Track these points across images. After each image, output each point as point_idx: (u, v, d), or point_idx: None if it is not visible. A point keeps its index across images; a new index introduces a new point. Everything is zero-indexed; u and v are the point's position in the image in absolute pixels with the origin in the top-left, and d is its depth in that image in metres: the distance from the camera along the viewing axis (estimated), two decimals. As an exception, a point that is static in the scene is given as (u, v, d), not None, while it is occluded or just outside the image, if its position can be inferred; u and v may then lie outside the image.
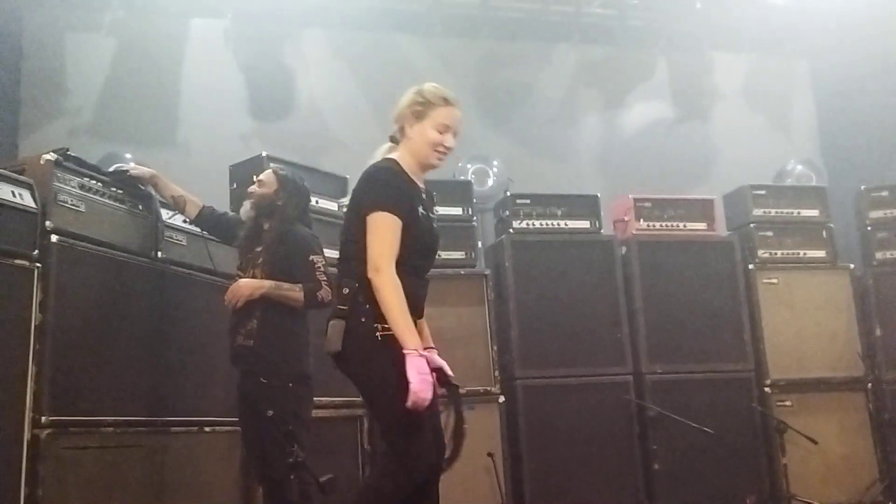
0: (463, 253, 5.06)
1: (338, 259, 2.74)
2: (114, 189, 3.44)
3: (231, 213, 3.89)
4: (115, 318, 3.32)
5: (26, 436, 2.85)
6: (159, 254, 3.62)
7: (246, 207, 3.61)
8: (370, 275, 2.48)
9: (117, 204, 3.45)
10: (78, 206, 3.21)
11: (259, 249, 3.48)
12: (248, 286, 3.38)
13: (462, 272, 4.98)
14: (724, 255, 5.41)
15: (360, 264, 2.54)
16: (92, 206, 3.29)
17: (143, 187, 3.63)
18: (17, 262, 2.92)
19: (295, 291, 3.39)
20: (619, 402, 4.97)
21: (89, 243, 3.23)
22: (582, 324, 5.05)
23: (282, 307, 3.38)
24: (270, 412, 3.23)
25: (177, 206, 3.69)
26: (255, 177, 3.69)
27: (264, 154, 4.39)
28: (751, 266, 5.41)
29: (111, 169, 3.62)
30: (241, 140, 6.17)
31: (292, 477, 3.11)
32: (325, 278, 3.44)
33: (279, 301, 3.38)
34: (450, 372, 2.66)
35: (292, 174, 3.71)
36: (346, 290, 2.57)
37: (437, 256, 4.35)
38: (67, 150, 3.24)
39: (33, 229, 2.99)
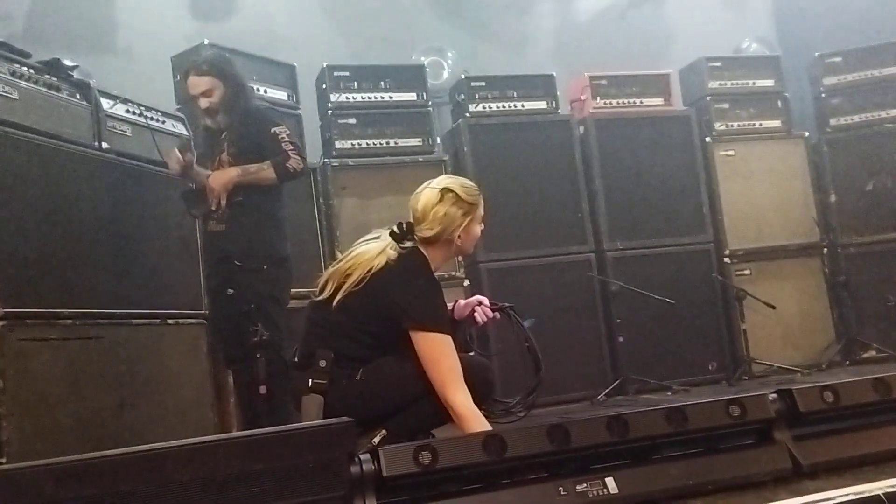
0: (420, 139, 4.97)
1: (311, 318, 2.61)
2: (48, 76, 3.29)
3: None
4: (63, 210, 3.22)
5: (-20, 327, 2.80)
6: (103, 144, 3.49)
7: (206, 122, 3.53)
8: (449, 403, 2.39)
9: (53, 92, 3.30)
10: (10, 93, 3.06)
11: (223, 136, 3.44)
12: (219, 182, 3.35)
13: (420, 159, 4.91)
14: (681, 129, 5.40)
15: (360, 348, 2.49)
16: (25, 93, 3.14)
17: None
18: (-49, 150, 2.80)
19: (264, 170, 3.37)
20: (582, 279, 5.02)
21: (27, 132, 3.10)
22: (542, 204, 5.04)
23: (253, 188, 3.35)
24: (230, 291, 3.21)
25: None
26: (193, 93, 3.52)
27: (206, 41, 4.23)
28: (708, 139, 5.42)
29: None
30: (185, 41, 5.95)
31: (258, 355, 3.11)
32: (291, 147, 3.41)
33: (252, 184, 3.35)
34: (487, 301, 2.80)
35: (218, 57, 3.61)
36: (322, 363, 2.47)
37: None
38: (-7, 33, 3.08)
39: (-35, 117, 2.86)
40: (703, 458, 1.92)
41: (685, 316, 5.04)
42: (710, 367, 5.08)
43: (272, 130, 3.39)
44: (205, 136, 3.58)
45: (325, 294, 2.55)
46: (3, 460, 2.68)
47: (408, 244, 2.59)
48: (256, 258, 3.38)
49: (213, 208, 3.42)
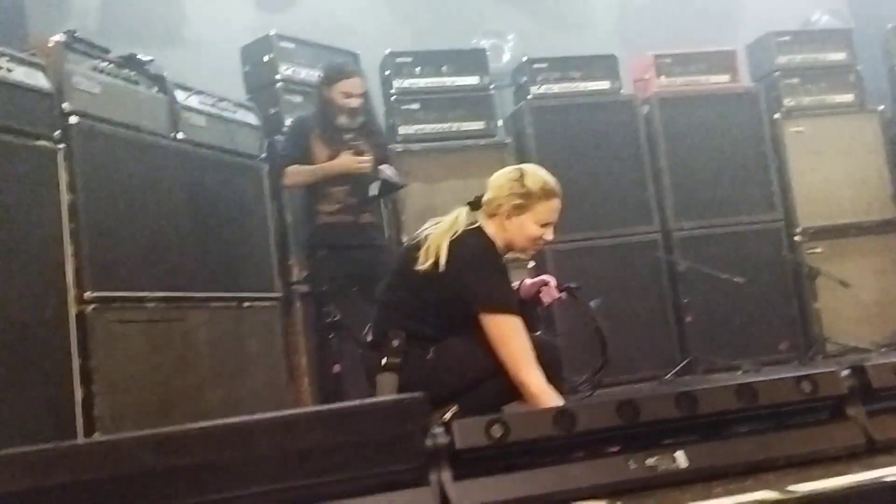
0: (482, 123, 5.00)
1: (383, 300, 2.69)
2: (126, 70, 3.44)
3: None
4: (144, 198, 3.37)
5: (72, 311, 2.95)
6: (179, 134, 3.63)
7: (344, 120, 3.81)
8: (523, 383, 2.43)
9: (131, 85, 3.45)
10: (92, 88, 3.21)
11: (349, 137, 3.80)
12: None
13: (482, 142, 4.94)
14: (748, 107, 5.30)
15: (430, 328, 2.56)
16: (106, 87, 3.29)
17: None
18: (40, 143, 2.95)
19: None
20: (648, 260, 4.99)
21: (109, 124, 3.25)
22: (607, 185, 5.02)
23: None
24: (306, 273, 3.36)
25: None
26: (353, 92, 3.82)
27: (273, 33, 4.35)
28: (776, 115, 5.31)
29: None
30: (251, 32, 6.10)
31: (331, 336, 3.21)
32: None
33: None
34: (553, 281, 2.81)
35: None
36: (395, 343, 2.53)
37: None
38: (75, 31, 3.23)
39: (50, 111, 3.01)
40: (774, 434, 1.91)
41: (755, 296, 4.97)
42: (781, 348, 5.00)
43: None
44: (326, 130, 3.81)
45: (402, 274, 2.62)
46: (97, 435, 2.84)
47: (478, 214, 2.63)
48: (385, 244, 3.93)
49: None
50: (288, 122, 4.36)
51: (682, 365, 4.73)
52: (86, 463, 1.56)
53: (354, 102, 3.77)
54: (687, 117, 5.21)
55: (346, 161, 3.68)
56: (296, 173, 3.76)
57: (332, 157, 3.75)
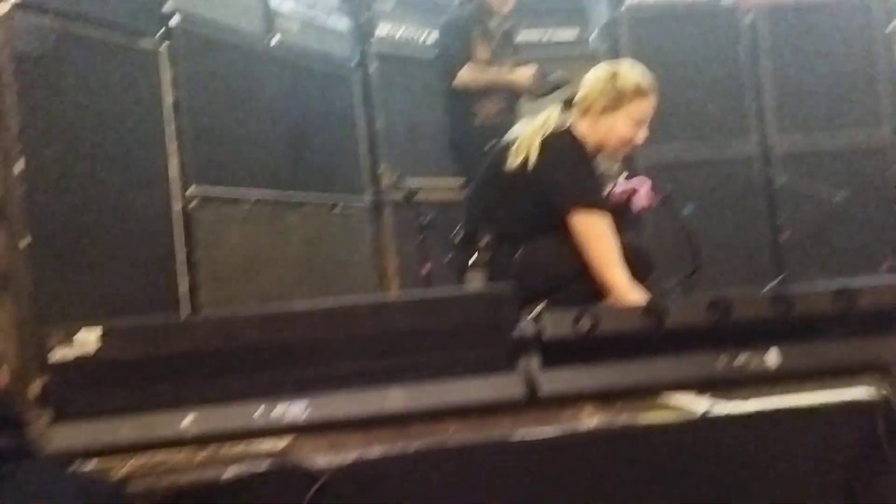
0: (576, 31, 4.88)
1: (472, 199, 2.70)
2: (219, -28, 3.48)
3: None
4: (240, 101, 3.46)
5: (177, 205, 3.08)
6: (274, 39, 3.67)
7: (492, 23, 3.91)
8: (609, 283, 2.41)
9: (236, -11, 3.50)
10: (190, -12, 3.27)
11: (495, 42, 3.92)
12: None
13: (575, 52, 4.83)
14: (860, 17, 4.95)
15: (519, 227, 2.55)
16: (204, -13, 3.35)
17: None
18: (143, 42, 3.03)
19: None
20: (745, 175, 4.83)
21: (208, 26, 3.31)
22: (705, 99, 4.82)
23: None
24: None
25: None
26: None
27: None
28: (889, 28, 4.97)
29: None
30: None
31: (421, 237, 3.27)
32: None
33: None
34: (645, 186, 2.73)
35: None
36: (484, 241, 2.54)
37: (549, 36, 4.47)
38: (176, -70, 3.26)
39: (154, 10, 3.08)
40: (871, 339, 1.87)
41: (857, 215, 4.74)
42: (884, 268, 4.81)
43: None
44: (484, 32, 3.86)
45: (492, 174, 2.64)
46: (200, 322, 3.00)
47: (570, 114, 2.60)
48: None
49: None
50: (382, 29, 4.34)
51: (776, 281, 4.61)
52: (198, 335, 1.67)
53: (507, 8, 3.85)
54: (793, 27, 4.92)
55: (526, 77, 3.77)
56: (474, 75, 3.76)
57: (491, 59, 3.83)
